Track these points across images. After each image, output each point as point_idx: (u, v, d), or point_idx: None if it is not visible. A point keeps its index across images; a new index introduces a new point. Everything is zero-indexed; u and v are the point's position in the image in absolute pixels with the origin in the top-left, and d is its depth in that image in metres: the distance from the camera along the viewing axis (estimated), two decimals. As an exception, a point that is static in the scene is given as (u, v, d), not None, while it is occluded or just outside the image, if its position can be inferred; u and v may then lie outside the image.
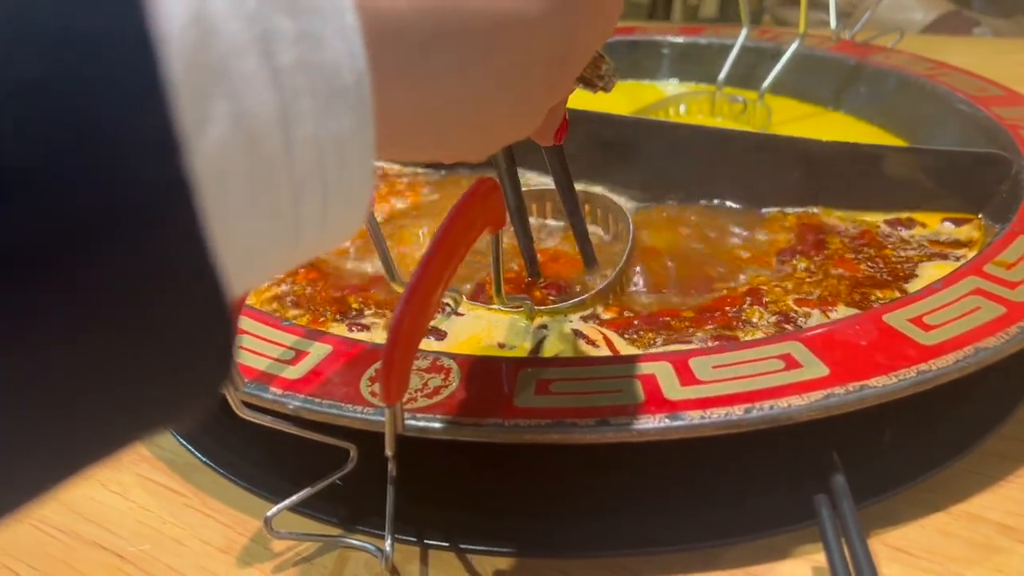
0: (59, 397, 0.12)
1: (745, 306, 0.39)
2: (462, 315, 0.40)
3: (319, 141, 0.14)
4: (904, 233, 0.44)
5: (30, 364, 0.11)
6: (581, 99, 0.35)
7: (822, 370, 0.28)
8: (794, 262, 0.42)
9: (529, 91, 0.20)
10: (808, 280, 0.40)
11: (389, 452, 0.27)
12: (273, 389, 0.29)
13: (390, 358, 0.22)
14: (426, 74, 0.17)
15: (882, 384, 0.27)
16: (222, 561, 0.30)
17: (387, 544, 0.27)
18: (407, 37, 0.17)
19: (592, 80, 0.30)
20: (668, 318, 0.38)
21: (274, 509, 0.29)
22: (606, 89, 0.31)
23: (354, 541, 0.30)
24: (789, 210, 0.47)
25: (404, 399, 0.28)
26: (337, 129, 0.14)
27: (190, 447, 0.36)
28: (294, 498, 0.29)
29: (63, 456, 0.13)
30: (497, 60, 0.18)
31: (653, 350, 0.36)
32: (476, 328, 0.39)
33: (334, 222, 0.15)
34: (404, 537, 0.30)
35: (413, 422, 0.27)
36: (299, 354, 0.31)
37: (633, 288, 0.41)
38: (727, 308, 0.38)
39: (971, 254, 0.40)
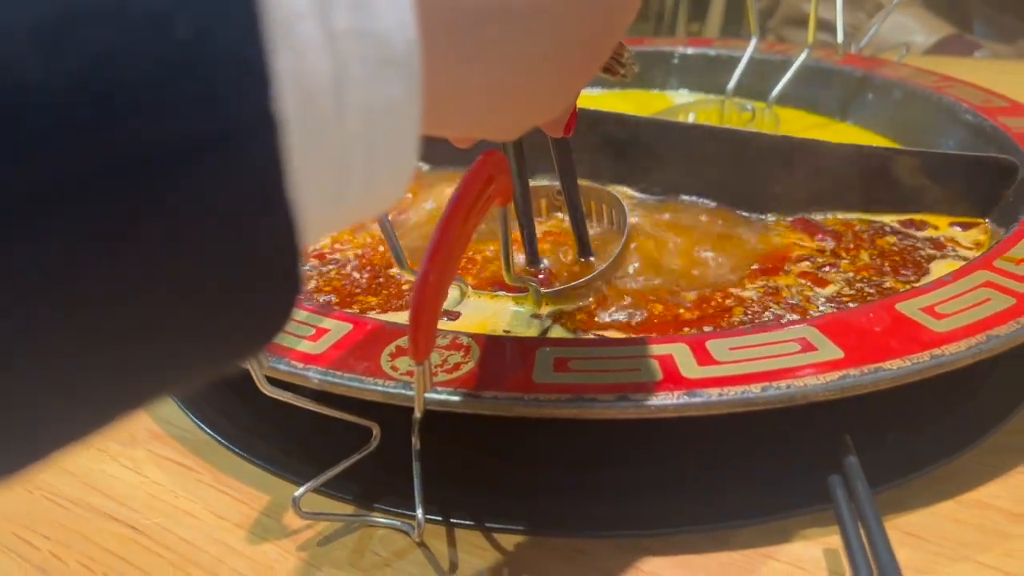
0: (142, 318, 0.12)
1: (763, 305, 0.39)
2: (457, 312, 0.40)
3: (368, 107, 0.14)
4: (916, 234, 0.44)
5: (125, 278, 0.11)
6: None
7: (837, 353, 0.28)
8: (806, 263, 0.43)
9: (565, 71, 0.21)
10: (826, 276, 0.41)
11: (418, 414, 0.27)
12: (293, 363, 0.30)
13: (417, 314, 0.23)
14: (470, 50, 0.18)
15: (896, 367, 0.28)
16: (237, 535, 0.30)
17: (419, 514, 0.28)
18: (454, 12, 0.17)
19: (614, 67, 0.31)
20: (679, 312, 0.39)
21: (301, 490, 0.29)
22: (626, 76, 0.31)
23: (381, 519, 0.30)
24: (793, 214, 0.47)
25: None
26: (386, 96, 0.14)
27: (201, 424, 0.36)
28: (320, 478, 0.29)
29: (134, 382, 0.13)
30: (537, 39, 0.19)
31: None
32: (483, 315, 0.39)
33: (378, 188, 0.16)
34: (429, 516, 0.30)
35: (434, 395, 0.28)
36: (318, 331, 0.32)
37: (631, 273, 0.42)
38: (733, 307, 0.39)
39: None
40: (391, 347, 0.30)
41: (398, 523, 0.30)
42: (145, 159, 0.11)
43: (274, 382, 0.29)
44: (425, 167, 0.56)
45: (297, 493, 0.29)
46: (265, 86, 0.12)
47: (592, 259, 0.43)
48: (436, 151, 0.54)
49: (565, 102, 0.23)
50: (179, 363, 0.14)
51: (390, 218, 0.38)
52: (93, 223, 0.11)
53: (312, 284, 0.43)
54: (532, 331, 0.38)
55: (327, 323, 0.32)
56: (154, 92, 0.11)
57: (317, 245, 0.47)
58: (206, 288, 0.13)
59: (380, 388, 0.28)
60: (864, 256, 0.43)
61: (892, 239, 0.44)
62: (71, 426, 0.13)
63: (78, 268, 0.11)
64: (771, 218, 0.47)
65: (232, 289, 0.13)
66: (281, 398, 0.28)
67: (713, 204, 0.48)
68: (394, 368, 0.29)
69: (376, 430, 0.29)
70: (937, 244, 0.43)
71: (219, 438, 0.35)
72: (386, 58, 0.14)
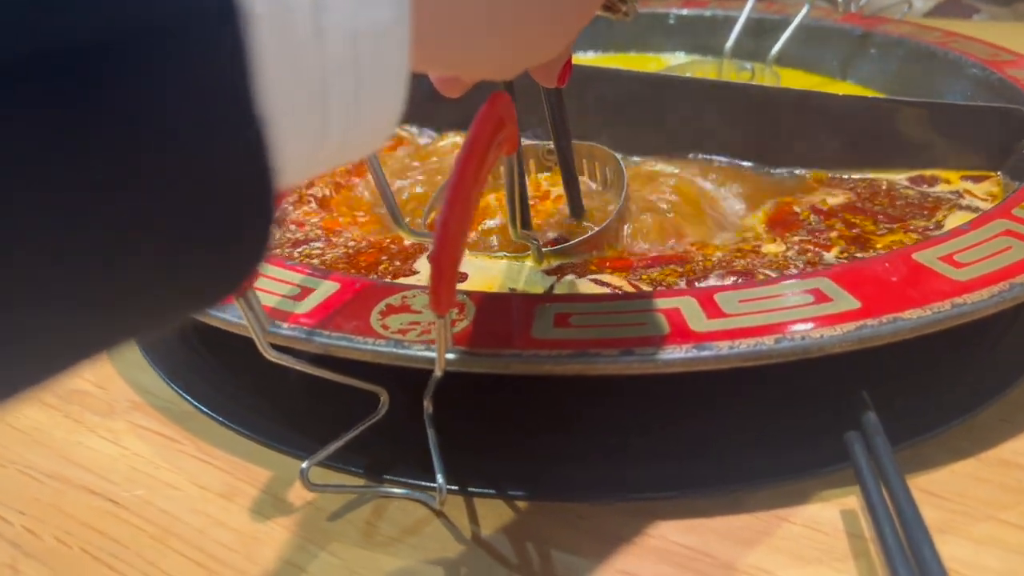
0: (94, 242, 0.11)
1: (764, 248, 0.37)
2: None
3: (353, 32, 0.13)
4: (928, 189, 0.43)
5: (68, 190, 0.10)
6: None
7: (853, 303, 0.27)
8: (812, 219, 0.41)
9: (562, 6, 0.20)
10: (834, 232, 0.39)
11: (439, 372, 0.25)
12: (289, 326, 0.28)
13: (439, 263, 0.21)
14: None
15: (916, 317, 0.26)
16: (221, 506, 0.29)
17: (440, 479, 0.26)
18: None
19: (615, 5, 0.29)
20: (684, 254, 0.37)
21: (307, 462, 0.27)
22: (627, 15, 0.30)
23: (395, 489, 0.28)
24: (793, 169, 0.46)
25: (420, 330, 0.27)
26: (372, 21, 0.13)
27: (184, 393, 0.34)
28: (329, 448, 0.27)
29: (97, 321, 0.12)
30: None
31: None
32: (488, 275, 0.37)
33: (365, 121, 0.15)
34: (428, 484, 0.28)
35: (429, 354, 0.26)
36: (304, 290, 0.30)
37: (628, 233, 0.40)
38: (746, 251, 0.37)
39: (993, 207, 0.40)
40: (381, 305, 0.29)
41: (416, 493, 0.28)
42: (90, 47, 0.10)
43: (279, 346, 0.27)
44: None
45: (305, 464, 0.27)
46: None
47: (584, 220, 0.41)
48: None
49: (564, 38, 0.22)
50: (141, 299, 0.12)
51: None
52: (30, 124, 0.09)
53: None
54: (540, 289, 0.36)
55: (311, 283, 0.30)
56: None
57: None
58: (165, 205, 0.11)
59: (392, 350, 0.26)
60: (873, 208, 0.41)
61: (911, 192, 0.42)
62: (27, 369, 0.12)
63: (9, 181, 0.09)
64: (780, 172, 0.45)
65: (196, 211, 0.11)
66: (287, 364, 0.27)
67: (722, 160, 0.47)
68: (384, 327, 0.27)
69: (384, 396, 0.28)
70: (951, 195, 0.42)
71: (202, 407, 0.33)
72: None
